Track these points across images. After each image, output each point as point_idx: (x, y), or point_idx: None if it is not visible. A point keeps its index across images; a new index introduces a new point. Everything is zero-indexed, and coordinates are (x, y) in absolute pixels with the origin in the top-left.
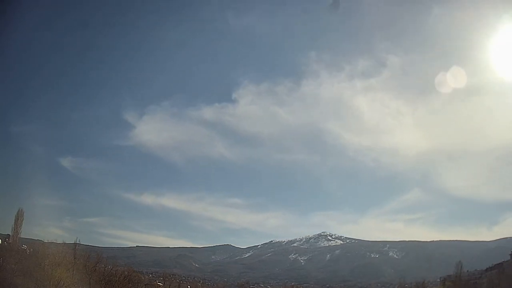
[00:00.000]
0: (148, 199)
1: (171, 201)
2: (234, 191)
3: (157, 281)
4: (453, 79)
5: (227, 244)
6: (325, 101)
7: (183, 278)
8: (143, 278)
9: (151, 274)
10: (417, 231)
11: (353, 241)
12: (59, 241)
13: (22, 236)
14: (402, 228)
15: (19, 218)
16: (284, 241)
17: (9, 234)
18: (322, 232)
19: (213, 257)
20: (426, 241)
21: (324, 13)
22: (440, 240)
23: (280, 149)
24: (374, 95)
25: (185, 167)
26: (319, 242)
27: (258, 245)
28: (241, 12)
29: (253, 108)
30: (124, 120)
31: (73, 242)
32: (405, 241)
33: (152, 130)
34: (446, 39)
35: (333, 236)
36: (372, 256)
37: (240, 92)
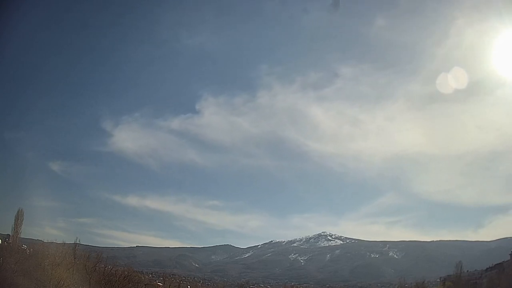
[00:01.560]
0: (133, 200)
1: (154, 203)
2: (212, 194)
3: (157, 281)
4: (407, 87)
5: (227, 244)
6: (281, 111)
7: (183, 278)
8: (143, 278)
9: (151, 274)
10: (398, 233)
11: (353, 241)
12: (59, 241)
13: (22, 236)
14: (384, 230)
15: (19, 218)
16: (284, 241)
17: (9, 234)
18: (322, 232)
19: (213, 257)
20: (426, 241)
21: (272, 29)
22: (440, 240)
23: (245, 155)
24: (329, 104)
25: (160, 171)
26: (319, 242)
27: (258, 245)
28: (192, 32)
29: (216, 118)
30: (103, 129)
31: (72, 242)
32: (405, 241)
33: (128, 138)
34: (393, 48)
35: (333, 236)
36: (372, 256)
37: (202, 103)
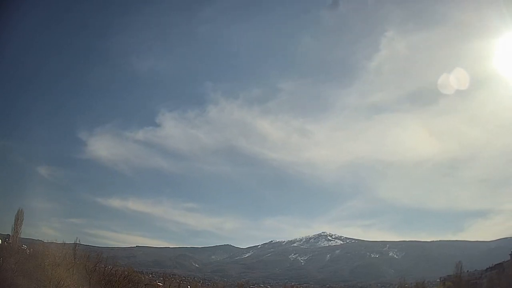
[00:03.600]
0: (115, 202)
1: (135, 205)
2: (187, 197)
3: (157, 281)
4: (347, 99)
5: (227, 244)
6: (230, 123)
7: (183, 278)
8: (143, 278)
9: (151, 274)
10: (375, 235)
11: (353, 241)
12: (59, 241)
13: (22, 236)
14: (360, 233)
15: (19, 218)
16: (284, 241)
17: (9, 234)
18: (322, 232)
19: (213, 257)
20: (426, 241)
21: (209, 50)
22: (440, 240)
23: (206, 163)
24: (275, 116)
25: (134, 176)
26: (319, 242)
27: (258, 245)
28: (141, 58)
29: (174, 130)
30: (79, 139)
31: (70, 242)
32: (405, 241)
33: (101, 147)
34: (325, 64)
35: (333, 236)
36: (372, 256)
37: (160, 118)
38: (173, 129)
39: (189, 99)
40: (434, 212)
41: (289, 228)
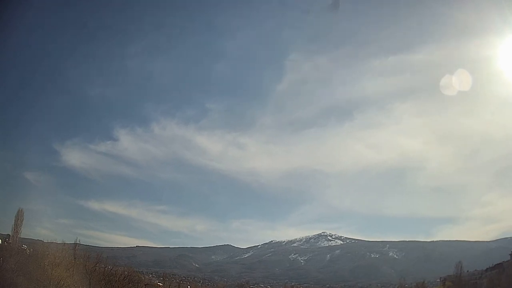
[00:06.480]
0: (94, 205)
1: (112, 207)
2: (157, 200)
3: (157, 281)
4: (266, 117)
5: (227, 244)
6: (173, 139)
7: (183, 278)
8: (143, 278)
9: (151, 274)
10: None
11: (353, 241)
12: (59, 241)
13: (22, 236)
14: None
15: (19, 218)
16: (284, 241)
17: (9, 234)
18: (322, 232)
19: (213, 257)
20: (426, 241)
21: (143, 80)
22: (440, 240)
23: (160, 171)
24: (210, 132)
25: (104, 181)
26: (319, 242)
27: (258, 245)
28: (91, 85)
29: (130, 144)
30: (54, 149)
31: (70, 242)
32: (405, 241)
33: (73, 157)
34: (242, 87)
35: (333, 236)
36: (372, 256)
37: (115, 133)
38: (128, 142)
39: (135, 118)
40: (394, 219)
41: (255, 230)
